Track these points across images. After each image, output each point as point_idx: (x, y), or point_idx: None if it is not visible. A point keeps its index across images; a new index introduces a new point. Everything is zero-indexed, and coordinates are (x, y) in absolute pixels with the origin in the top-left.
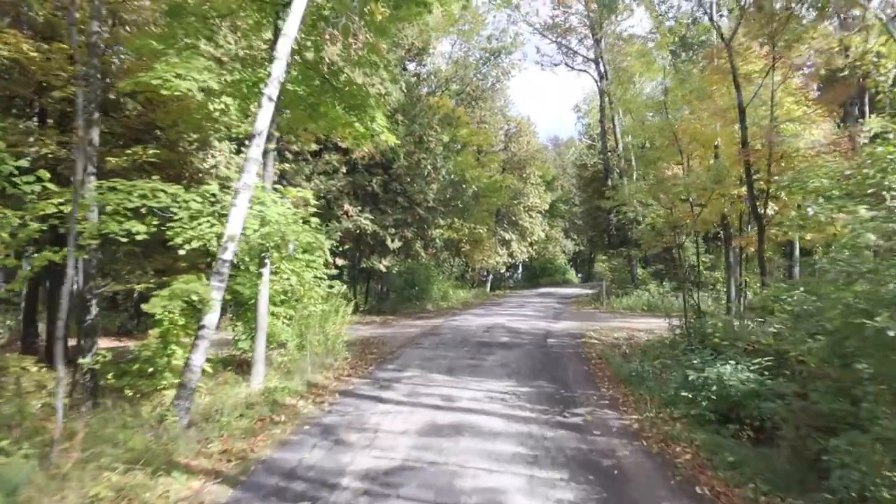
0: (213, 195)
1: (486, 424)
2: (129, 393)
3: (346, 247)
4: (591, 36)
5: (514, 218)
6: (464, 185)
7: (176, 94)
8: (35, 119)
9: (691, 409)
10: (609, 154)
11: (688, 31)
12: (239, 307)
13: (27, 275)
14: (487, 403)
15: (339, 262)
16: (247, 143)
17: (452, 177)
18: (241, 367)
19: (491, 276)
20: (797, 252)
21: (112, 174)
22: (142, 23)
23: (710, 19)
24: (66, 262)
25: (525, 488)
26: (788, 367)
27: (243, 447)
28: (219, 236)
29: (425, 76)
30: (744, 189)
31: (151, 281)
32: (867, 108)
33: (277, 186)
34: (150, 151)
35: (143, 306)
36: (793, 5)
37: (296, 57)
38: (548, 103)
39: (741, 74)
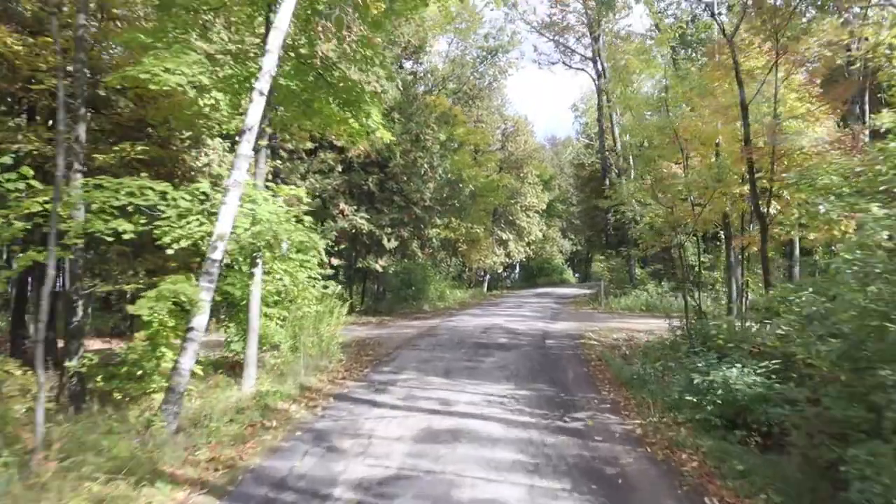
0: (204, 193)
1: (484, 430)
2: (117, 396)
3: (342, 246)
4: (588, 34)
5: (511, 217)
6: (461, 185)
7: (164, 88)
8: (24, 116)
9: (696, 413)
10: (607, 153)
11: (687, 28)
12: (231, 308)
13: (10, 275)
14: (485, 407)
15: (335, 261)
16: (237, 139)
17: (449, 176)
18: (234, 369)
19: (488, 276)
20: (797, 252)
21: (102, 172)
22: (133, 19)
23: (712, 14)
24: (52, 261)
25: (526, 499)
26: (796, 370)
27: (232, 455)
28: (208, 235)
29: (422, 75)
30: (745, 188)
31: (141, 281)
32: (867, 108)
33: (270, 184)
34: (139, 148)
35: (129, 308)
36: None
37: (289, 52)
38: (545, 102)
39: (743, 71)
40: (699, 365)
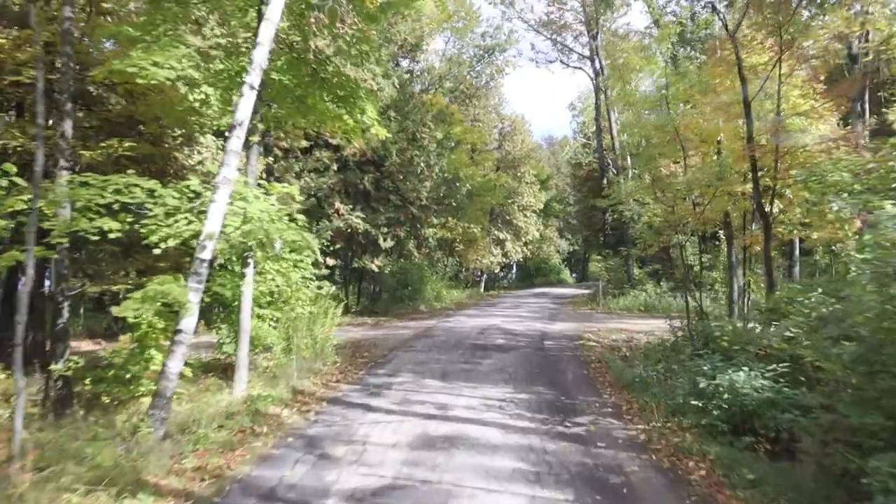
0: (193, 191)
1: (482, 436)
2: (105, 400)
3: (338, 246)
4: (586, 33)
5: (508, 217)
6: (457, 184)
7: (152, 82)
8: (13, 112)
9: (701, 418)
10: (605, 152)
11: (686, 26)
12: (224, 309)
13: None
14: (484, 412)
15: (330, 261)
16: (226, 134)
17: (446, 175)
18: (226, 371)
19: (485, 276)
20: (797, 252)
21: (91, 170)
22: (124, 14)
23: (714, 9)
24: (31, 261)
25: None
26: (804, 373)
27: (220, 463)
28: (197, 235)
29: (418, 73)
30: (747, 186)
31: (129, 282)
32: (867, 106)
33: (262, 182)
34: (127, 144)
35: (114, 310)
36: None
37: (281, 46)
38: (542, 102)
39: (746, 67)
40: (704, 368)
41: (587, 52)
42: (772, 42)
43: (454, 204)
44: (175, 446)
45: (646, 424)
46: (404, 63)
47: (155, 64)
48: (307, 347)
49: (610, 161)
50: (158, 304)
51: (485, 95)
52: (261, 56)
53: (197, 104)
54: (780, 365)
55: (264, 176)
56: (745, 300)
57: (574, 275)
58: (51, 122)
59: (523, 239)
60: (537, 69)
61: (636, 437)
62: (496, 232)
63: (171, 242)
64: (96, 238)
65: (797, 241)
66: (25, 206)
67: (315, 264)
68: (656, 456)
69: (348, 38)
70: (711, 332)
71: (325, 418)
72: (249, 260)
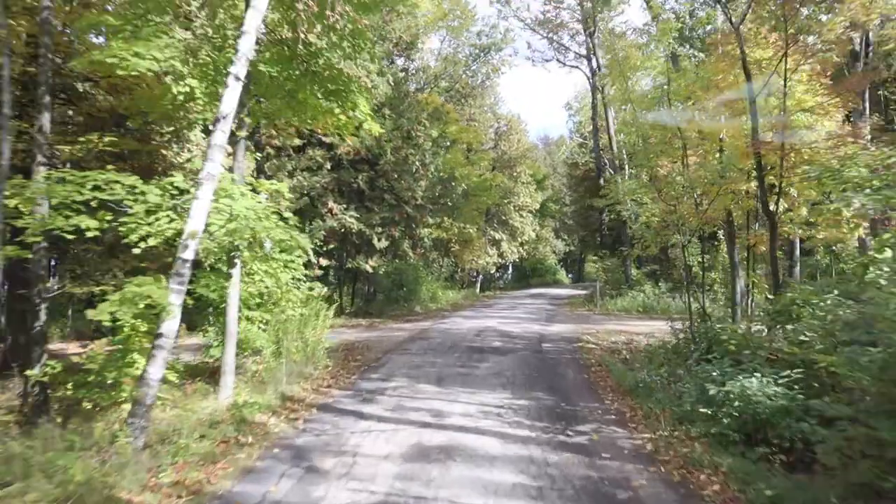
0: (177, 187)
1: (480, 446)
2: (87, 406)
3: (331, 246)
4: (583, 31)
5: (504, 217)
6: (453, 183)
7: (134, 74)
8: None
9: (711, 426)
10: (601, 152)
11: (685, 24)
12: (213, 311)
13: None
14: (481, 420)
15: (324, 262)
16: (210, 127)
17: (441, 174)
18: (213, 375)
19: (481, 276)
20: (797, 252)
21: (75, 167)
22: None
23: (717, 1)
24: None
25: None
26: (818, 379)
27: (199, 477)
28: (179, 233)
29: (413, 72)
30: (752, 184)
31: (112, 283)
32: (867, 105)
33: (250, 179)
34: (107, 139)
35: (89, 313)
36: None
37: (271, 38)
38: (538, 101)
39: (749, 62)
40: (713, 374)
41: (584, 51)
42: (776, 37)
43: (450, 204)
44: (153, 458)
45: (652, 433)
46: (399, 61)
47: (136, 55)
48: (298, 351)
49: (607, 161)
50: (142, 306)
51: (480, 95)
52: (247, 45)
53: (181, 97)
54: (795, 371)
55: (255, 174)
56: (749, 301)
57: (570, 275)
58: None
59: (519, 239)
60: (533, 68)
61: (642, 446)
62: (492, 232)
63: (152, 242)
64: (72, 237)
65: (797, 241)
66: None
67: (308, 265)
68: (665, 468)
69: (339, 28)
70: (716, 334)
71: (315, 427)
72: (236, 260)
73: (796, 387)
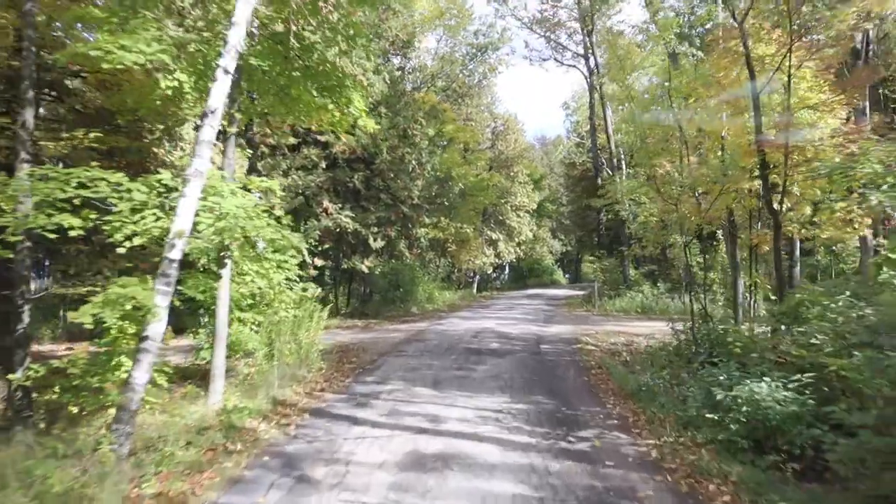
0: (165, 185)
1: (478, 454)
2: (73, 410)
3: (327, 246)
4: (580, 30)
5: (501, 217)
6: (450, 183)
7: (119, 67)
8: None
9: (718, 433)
10: (599, 151)
11: (683, 23)
12: (205, 312)
13: None
14: (479, 425)
15: (319, 262)
16: (198, 122)
17: (438, 174)
18: (204, 378)
19: (478, 276)
20: (797, 252)
21: (64, 164)
22: None
23: None
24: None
25: None
26: (828, 384)
27: (184, 488)
28: (166, 232)
29: (410, 71)
30: (755, 183)
31: (100, 283)
32: (868, 103)
33: (241, 177)
34: (92, 135)
35: (71, 315)
36: None
37: (262, 30)
38: (536, 101)
39: (753, 58)
40: (720, 378)
41: (581, 50)
42: (779, 32)
43: (446, 203)
44: (137, 467)
45: (656, 439)
46: (395, 60)
47: (122, 47)
48: (291, 353)
49: (604, 160)
50: (129, 307)
51: (477, 94)
52: (236, 37)
53: (170, 92)
54: (805, 375)
55: (248, 173)
56: (752, 302)
57: (567, 275)
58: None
59: (516, 239)
60: (530, 67)
61: (647, 453)
62: (489, 232)
63: (138, 241)
64: (55, 237)
65: (797, 241)
66: None
67: (302, 265)
68: (672, 477)
69: (333, 21)
70: (720, 336)
71: (307, 433)
72: (226, 260)
73: (807, 391)
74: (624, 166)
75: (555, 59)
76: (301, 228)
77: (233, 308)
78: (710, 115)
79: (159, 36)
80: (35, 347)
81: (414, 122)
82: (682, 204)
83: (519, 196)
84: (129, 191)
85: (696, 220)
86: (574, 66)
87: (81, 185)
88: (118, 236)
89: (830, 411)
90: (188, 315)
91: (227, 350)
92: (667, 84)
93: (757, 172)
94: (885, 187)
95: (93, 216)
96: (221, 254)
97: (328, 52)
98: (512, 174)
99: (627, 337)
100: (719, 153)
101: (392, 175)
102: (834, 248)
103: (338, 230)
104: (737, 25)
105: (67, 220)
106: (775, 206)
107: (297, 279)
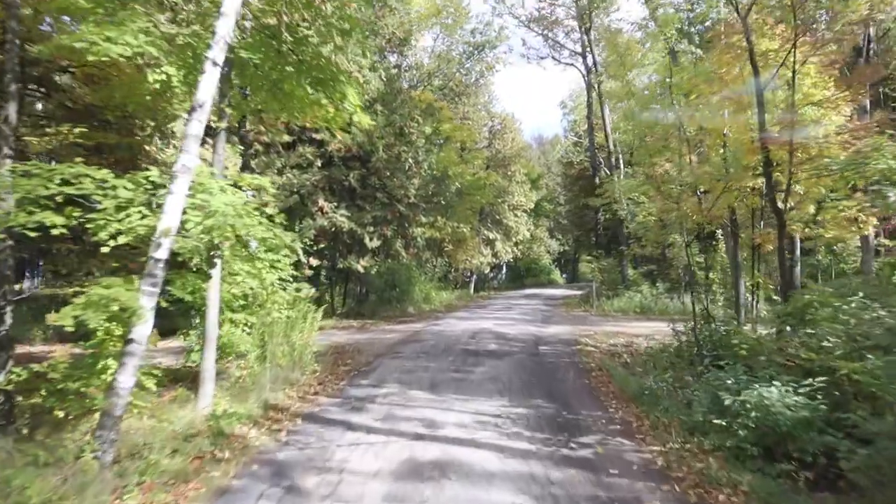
0: (152, 182)
1: (476, 461)
2: (59, 415)
3: (322, 246)
4: (578, 28)
5: (498, 217)
6: (446, 182)
7: (104, 59)
8: None
9: (726, 439)
10: (597, 150)
11: (684, 19)
12: (196, 313)
13: None
14: (477, 430)
15: (315, 262)
16: (185, 117)
17: (434, 172)
18: (195, 381)
19: (475, 276)
20: (798, 252)
21: (52, 160)
22: None
23: None
24: None
25: None
26: (840, 388)
27: (167, 499)
28: (152, 230)
29: (406, 69)
30: (758, 181)
31: (87, 284)
32: (868, 103)
33: (233, 174)
34: (77, 130)
35: (50, 317)
36: None
37: (255, 22)
38: (533, 100)
39: (756, 53)
40: (727, 381)
41: (579, 48)
42: (783, 27)
43: (443, 202)
44: (120, 477)
45: (661, 445)
46: (392, 58)
47: (108, 39)
48: (284, 355)
49: (602, 160)
50: (115, 308)
51: (474, 93)
52: (225, 28)
53: (158, 85)
54: (817, 379)
55: (241, 171)
56: (755, 303)
57: (564, 275)
58: None
59: (513, 239)
60: (527, 66)
61: (652, 461)
62: (486, 232)
63: (122, 240)
64: (36, 234)
65: (797, 240)
66: None
67: (297, 265)
68: (679, 486)
69: (327, 14)
70: (723, 337)
71: (299, 439)
72: (216, 260)
73: (819, 396)
74: (622, 165)
75: (552, 57)
76: (296, 228)
77: (224, 309)
78: (711, 113)
79: (147, 28)
80: (26, 349)
81: (410, 120)
82: (682, 202)
83: (516, 195)
84: (114, 188)
85: (697, 218)
86: (572, 65)
87: (65, 182)
88: (102, 235)
89: (844, 417)
90: (180, 316)
91: (219, 352)
92: (667, 81)
93: (759, 170)
94: None
95: (77, 214)
96: (211, 253)
97: (323, 48)
98: (509, 173)
99: (627, 338)
100: (721, 151)
101: (388, 174)
102: (834, 247)
103: (333, 229)
104: (740, 20)
105: (50, 217)
106: (779, 204)
107: (291, 279)
